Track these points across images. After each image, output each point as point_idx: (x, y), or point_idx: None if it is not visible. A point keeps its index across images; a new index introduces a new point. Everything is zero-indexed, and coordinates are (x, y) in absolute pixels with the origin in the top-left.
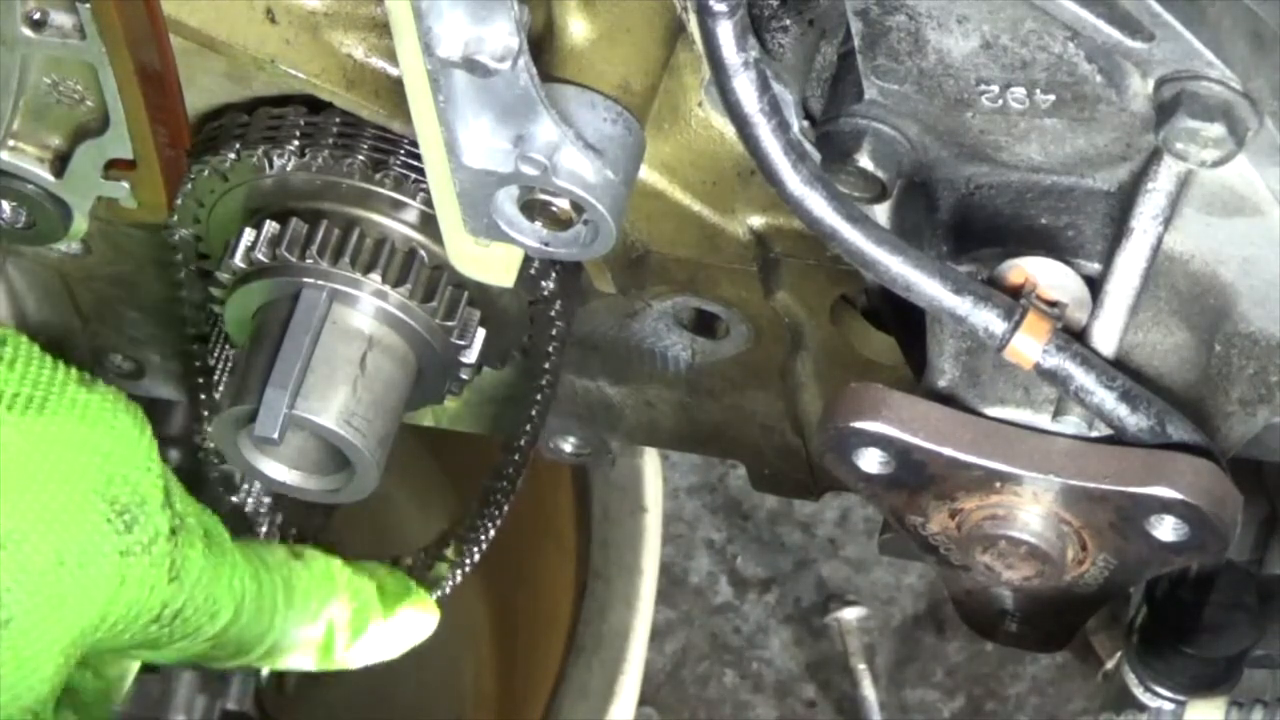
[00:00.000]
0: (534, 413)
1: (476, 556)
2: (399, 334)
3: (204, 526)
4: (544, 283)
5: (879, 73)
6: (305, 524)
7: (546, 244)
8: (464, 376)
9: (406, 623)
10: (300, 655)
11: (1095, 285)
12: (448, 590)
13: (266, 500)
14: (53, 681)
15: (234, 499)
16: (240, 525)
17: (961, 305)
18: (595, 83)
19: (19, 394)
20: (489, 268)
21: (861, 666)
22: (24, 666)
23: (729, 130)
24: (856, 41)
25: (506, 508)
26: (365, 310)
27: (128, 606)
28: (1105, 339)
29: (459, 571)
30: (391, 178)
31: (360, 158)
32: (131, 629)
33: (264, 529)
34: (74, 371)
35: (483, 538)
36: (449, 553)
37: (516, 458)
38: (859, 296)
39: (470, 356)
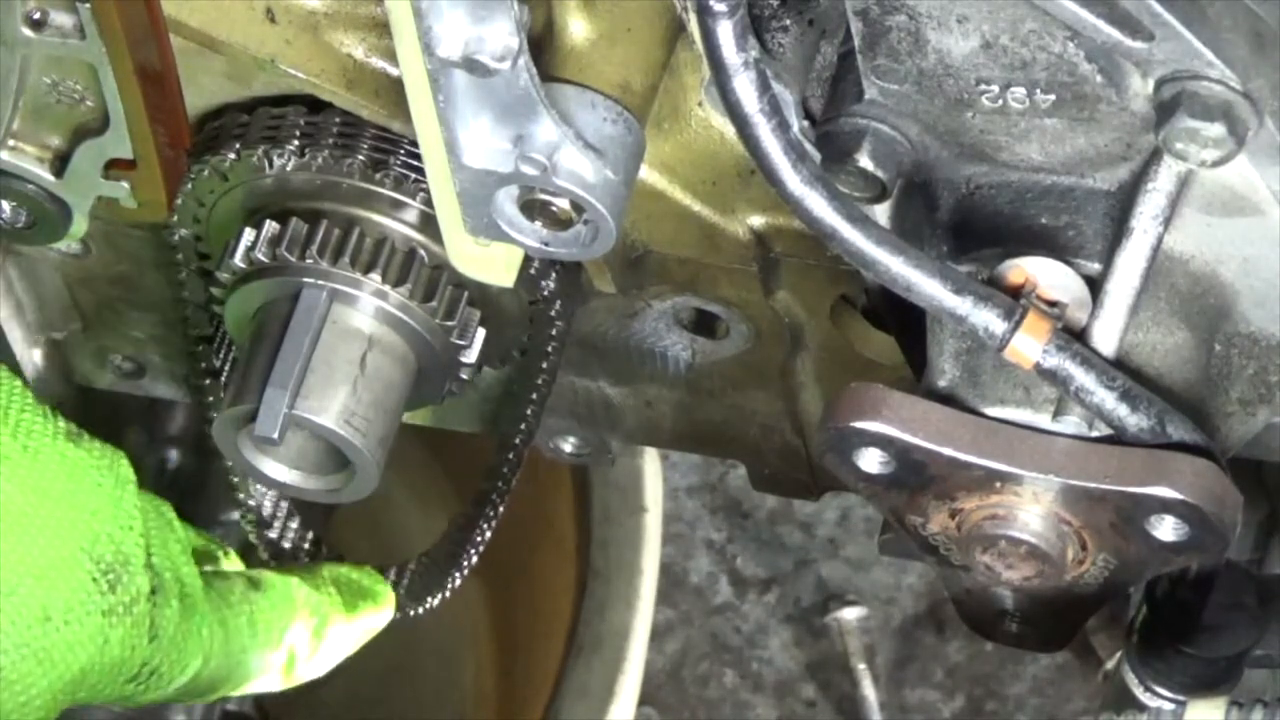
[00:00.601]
0: (529, 411)
1: (474, 558)
2: (399, 334)
3: (179, 580)
4: (544, 283)
5: (879, 73)
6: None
7: (546, 244)
8: (464, 376)
9: (365, 622)
10: (265, 679)
11: (1095, 285)
12: (449, 594)
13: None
14: None
15: (250, 500)
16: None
17: (961, 305)
18: (595, 83)
19: (13, 441)
20: (489, 268)
21: (861, 666)
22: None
23: (729, 130)
24: (856, 41)
25: (503, 508)
26: (365, 310)
27: (109, 666)
28: (1105, 339)
29: (458, 574)
30: (391, 178)
31: (360, 158)
32: (110, 687)
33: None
34: (63, 424)
35: (479, 539)
36: (447, 556)
37: (511, 456)
38: (859, 296)
39: (470, 356)
